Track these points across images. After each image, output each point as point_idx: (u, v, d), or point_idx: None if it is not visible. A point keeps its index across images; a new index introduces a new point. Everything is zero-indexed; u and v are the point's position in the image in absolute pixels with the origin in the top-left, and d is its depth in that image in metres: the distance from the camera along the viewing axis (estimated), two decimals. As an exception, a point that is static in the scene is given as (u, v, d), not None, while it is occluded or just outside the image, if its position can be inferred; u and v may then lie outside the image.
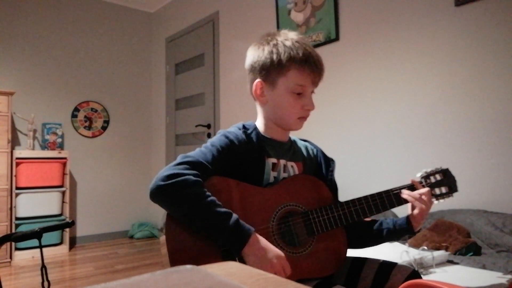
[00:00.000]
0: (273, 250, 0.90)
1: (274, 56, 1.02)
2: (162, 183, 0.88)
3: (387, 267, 1.00)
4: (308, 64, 1.01)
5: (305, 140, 1.21)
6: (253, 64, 1.07)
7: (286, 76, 1.02)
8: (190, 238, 0.91)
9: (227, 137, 1.01)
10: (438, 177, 1.07)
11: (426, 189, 1.03)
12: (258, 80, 1.06)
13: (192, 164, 0.93)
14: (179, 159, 0.94)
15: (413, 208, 1.02)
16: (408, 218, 1.05)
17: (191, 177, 0.89)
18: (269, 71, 1.04)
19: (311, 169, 1.15)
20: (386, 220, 1.09)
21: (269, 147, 1.07)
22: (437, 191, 1.07)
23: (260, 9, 3.15)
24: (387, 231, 1.08)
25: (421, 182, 1.07)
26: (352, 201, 1.02)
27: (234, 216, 0.90)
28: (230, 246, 0.90)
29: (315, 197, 1.04)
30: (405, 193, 1.03)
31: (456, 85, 1.98)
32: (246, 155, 1.01)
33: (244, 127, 1.07)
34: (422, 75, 2.13)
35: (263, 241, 0.91)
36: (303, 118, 1.06)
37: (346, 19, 2.52)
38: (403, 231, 1.06)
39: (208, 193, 0.90)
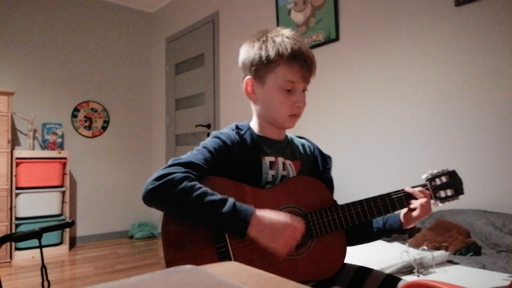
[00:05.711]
0: (280, 222, 0.87)
1: (263, 52, 1.01)
2: (151, 186, 0.87)
3: (392, 281, 0.98)
4: (297, 60, 0.99)
5: (302, 137, 1.20)
6: (244, 61, 1.06)
7: (275, 72, 1.01)
8: (187, 240, 0.89)
9: (219, 138, 0.99)
10: (444, 179, 1.04)
11: (425, 198, 1.00)
12: (248, 77, 1.05)
13: (183, 165, 0.91)
14: (169, 162, 0.92)
15: (412, 210, 1.01)
16: (399, 218, 1.04)
17: (179, 174, 0.88)
18: (258, 67, 1.02)
19: (308, 166, 1.13)
20: (376, 218, 1.07)
21: (265, 146, 1.05)
22: (442, 194, 1.03)
23: (260, 9, 3.15)
24: (377, 230, 1.07)
25: (426, 185, 1.04)
26: (353, 203, 1.00)
27: (230, 200, 0.87)
28: (233, 232, 0.88)
29: (315, 199, 1.02)
30: (413, 199, 1.01)
31: (456, 85, 1.98)
32: (241, 155, 0.99)
33: (237, 127, 1.05)
34: (422, 75, 2.13)
35: (266, 217, 0.88)
36: (294, 115, 1.04)
37: (346, 19, 2.52)
38: (394, 231, 1.06)
39: (199, 185, 0.88)
